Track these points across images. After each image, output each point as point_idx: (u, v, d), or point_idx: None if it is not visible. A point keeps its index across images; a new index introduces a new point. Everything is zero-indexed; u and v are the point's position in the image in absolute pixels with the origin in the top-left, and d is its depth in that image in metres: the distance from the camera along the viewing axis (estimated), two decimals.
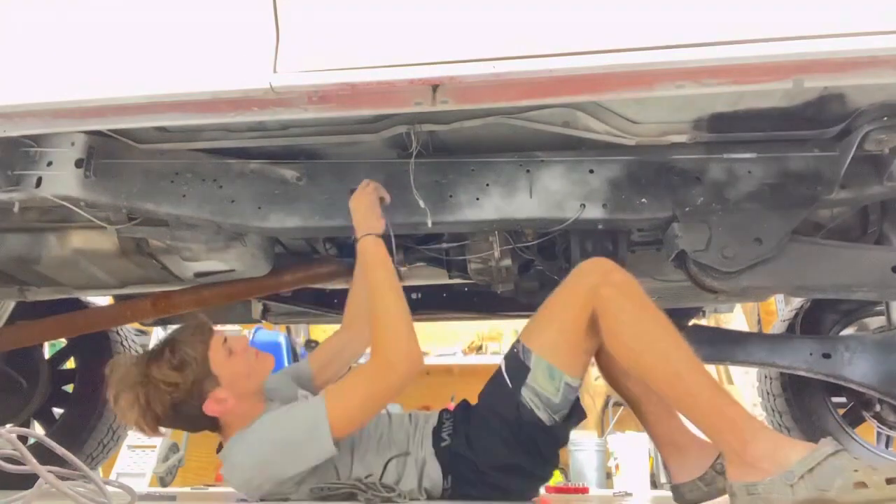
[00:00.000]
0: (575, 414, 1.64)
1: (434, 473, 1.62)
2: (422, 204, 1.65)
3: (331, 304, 2.54)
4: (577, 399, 1.65)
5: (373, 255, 1.61)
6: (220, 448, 1.63)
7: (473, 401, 1.77)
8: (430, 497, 1.62)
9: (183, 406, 1.54)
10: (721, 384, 5.30)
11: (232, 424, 1.59)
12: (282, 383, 1.81)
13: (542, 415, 1.57)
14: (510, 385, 1.59)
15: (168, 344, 1.58)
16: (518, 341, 1.64)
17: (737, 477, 1.31)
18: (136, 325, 3.27)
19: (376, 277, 1.60)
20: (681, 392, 1.41)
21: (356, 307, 1.96)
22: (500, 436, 1.59)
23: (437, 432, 1.68)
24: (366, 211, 1.62)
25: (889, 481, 1.15)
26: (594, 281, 1.52)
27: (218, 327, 1.72)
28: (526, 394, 1.57)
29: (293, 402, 1.64)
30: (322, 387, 1.82)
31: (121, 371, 1.56)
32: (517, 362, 1.60)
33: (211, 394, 1.54)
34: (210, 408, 1.54)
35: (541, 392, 1.56)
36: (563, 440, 1.66)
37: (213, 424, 1.61)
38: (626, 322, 1.47)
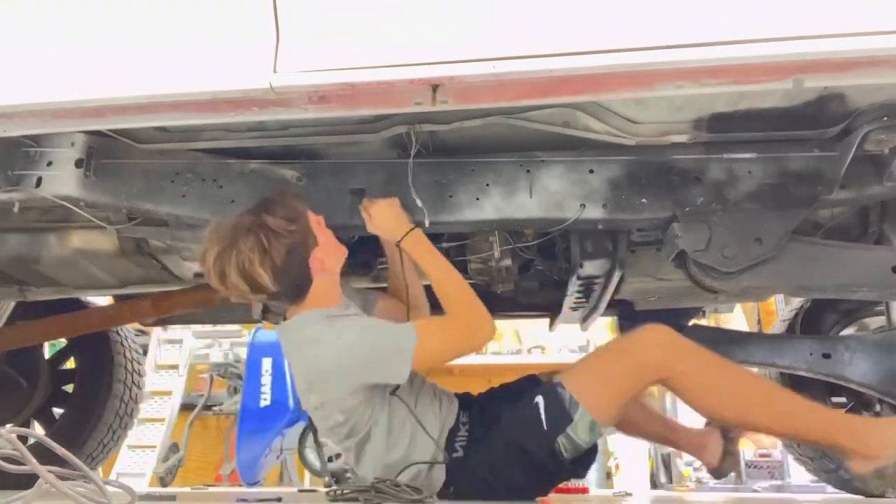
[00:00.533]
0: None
1: (437, 480, 1.62)
2: (419, 203, 1.65)
3: None
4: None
5: (427, 250, 1.68)
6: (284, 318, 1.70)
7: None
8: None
9: (295, 254, 1.57)
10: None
11: (314, 297, 1.63)
12: (350, 294, 1.83)
13: (570, 456, 1.60)
14: (546, 427, 1.58)
15: (275, 199, 1.61)
16: (562, 386, 1.61)
17: (863, 468, 1.48)
18: (136, 325, 3.27)
19: (440, 263, 1.68)
20: (785, 424, 1.58)
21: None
22: (525, 470, 1.62)
23: (451, 437, 1.67)
24: (394, 216, 1.66)
25: None
26: (664, 358, 1.57)
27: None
28: (562, 440, 1.58)
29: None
30: None
31: (230, 220, 1.58)
32: (560, 409, 1.59)
33: (313, 252, 1.61)
34: (314, 264, 1.60)
35: (577, 442, 1.59)
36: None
37: (301, 290, 1.62)
38: (710, 387, 1.57)
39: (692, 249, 1.59)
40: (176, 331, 5.41)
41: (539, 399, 1.61)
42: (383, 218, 1.66)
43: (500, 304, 2.47)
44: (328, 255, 1.65)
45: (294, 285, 1.62)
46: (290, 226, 1.57)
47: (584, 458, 1.66)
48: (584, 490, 3.51)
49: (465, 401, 1.80)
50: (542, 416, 1.59)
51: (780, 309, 3.64)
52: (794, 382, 2.54)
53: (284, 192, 1.68)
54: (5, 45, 1.39)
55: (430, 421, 1.65)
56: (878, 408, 2.44)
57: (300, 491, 3.43)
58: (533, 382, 1.76)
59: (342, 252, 1.72)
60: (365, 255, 2.02)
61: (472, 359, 5.70)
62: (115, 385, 2.88)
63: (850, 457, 1.50)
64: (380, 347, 1.56)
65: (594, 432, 1.59)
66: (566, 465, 1.61)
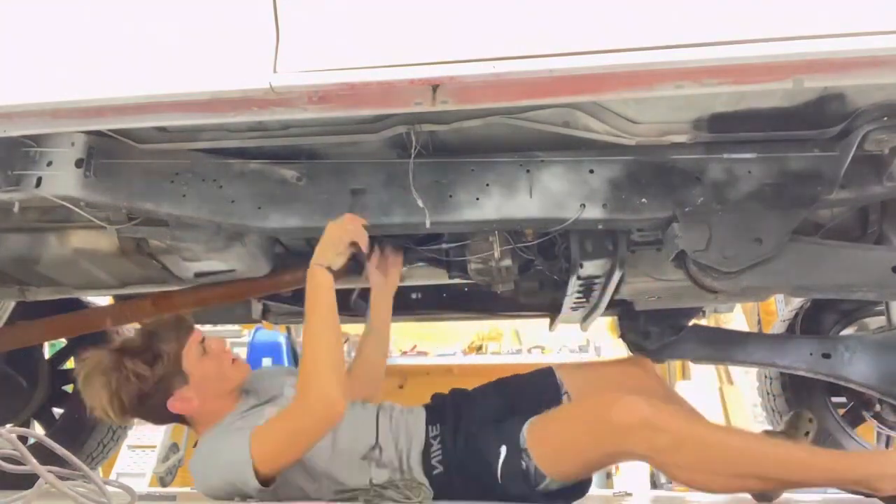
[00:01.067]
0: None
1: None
2: (420, 204, 1.65)
3: None
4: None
5: (317, 288, 1.58)
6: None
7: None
8: None
9: (148, 399, 1.59)
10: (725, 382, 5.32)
11: (199, 422, 1.65)
12: (273, 376, 1.84)
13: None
14: (500, 480, 1.58)
15: (144, 336, 1.64)
16: (528, 455, 1.58)
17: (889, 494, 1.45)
18: (136, 325, 3.27)
19: (316, 314, 1.57)
20: (787, 482, 1.53)
21: (364, 366, 1.96)
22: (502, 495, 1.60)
23: (426, 457, 1.66)
24: (332, 242, 1.60)
25: None
26: (641, 439, 1.47)
27: (207, 327, 1.75)
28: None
29: (267, 402, 1.65)
30: None
31: (96, 356, 1.62)
32: (522, 477, 1.57)
33: (177, 392, 1.60)
34: (173, 405, 1.60)
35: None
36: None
37: (181, 418, 1.66)
38: (696, 464, 1.49)
39: (692, 249, 1.58)
40: None
41: (503, 449, 1.59)
42: (324, 236, 1.62)
43: (500, 304, 2.47)
44: (213, 383, 1.63)
45: (157, 419, 1.70)
46: (145, 371, 1.56)
47: (570, 491, 1.63)
48: None
49: (436, 410, 1.79)
50: (499, 469, 1.58)
51: (780, 309, 3.63)
52: (795, 382, 2.55)
53: (163, 324, 1.67)
54: (5, 45, 1.39)
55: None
56: (878, 407, 2.44)
57: None
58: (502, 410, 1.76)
59: (239, 375, 1.71)
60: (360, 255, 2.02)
61: (472, 359, 5.70)
62: None
63: (871, 490, 1.48)
64: (222, 470, 1.50)
65: (565, 484, 1.59)
66: (541, 495, 1.59)
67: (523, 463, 1.57)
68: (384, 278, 1.95)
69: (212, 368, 1.64)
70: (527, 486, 1.57)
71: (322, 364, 1.51)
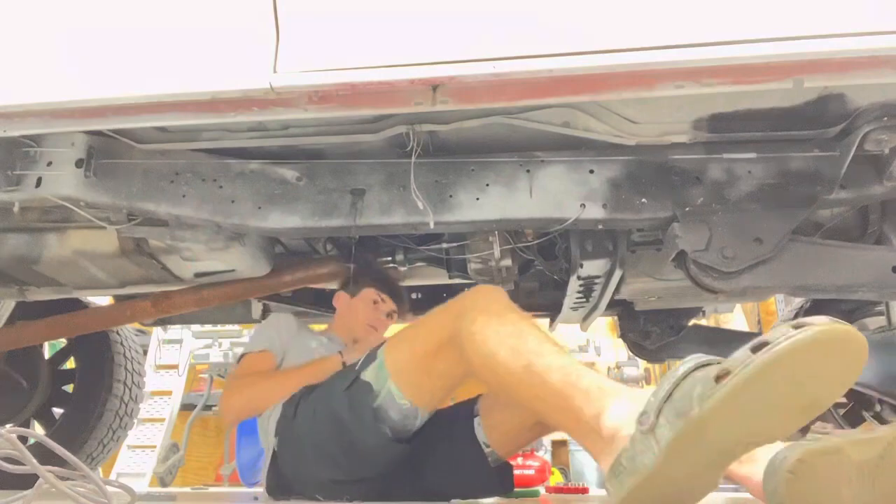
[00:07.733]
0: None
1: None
2: (421, 205, 1.65)
3: (330, 304, 2.54)
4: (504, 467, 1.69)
5: (323, 366, 1.85)
6: None
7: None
8: None
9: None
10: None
11: None
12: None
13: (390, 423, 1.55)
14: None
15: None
16: (383, 365, 1.60)
17: (606, 464, 0.94)
18: (136, 325, 3.28)
19: (300, 374, 1.84)
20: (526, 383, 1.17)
21: None
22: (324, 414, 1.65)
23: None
24: (366, 349, 1.73)
25: (755, 349, 0.83)
26: (457, 312, 1.42)
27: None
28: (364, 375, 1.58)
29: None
30: None
31: None
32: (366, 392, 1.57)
33: None
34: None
35: (373, 388, 1.56)
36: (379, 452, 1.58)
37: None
38: (494, 354, 1.27)
39: (692, 249, 1.58)
40: (176, 331, 5.42)
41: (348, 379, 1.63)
42: (367, 344, 1.86)
43: None
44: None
45: None
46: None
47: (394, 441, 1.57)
48: (584, 490, 3.51)
49: None
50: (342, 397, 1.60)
51: (780, 309, 3.64)
52: None
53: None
54: (5, 45, 1.39)
55: None
56: (878, 408, 2.44)
57: None
58: None
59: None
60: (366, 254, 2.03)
61: None
62: (115, 385, 2.88)
63: (595, 448, 0.98)
64: None
65: (381, 376, 1.55)
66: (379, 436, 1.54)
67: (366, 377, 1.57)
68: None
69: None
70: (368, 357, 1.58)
71: (257, 390, 1.88)
